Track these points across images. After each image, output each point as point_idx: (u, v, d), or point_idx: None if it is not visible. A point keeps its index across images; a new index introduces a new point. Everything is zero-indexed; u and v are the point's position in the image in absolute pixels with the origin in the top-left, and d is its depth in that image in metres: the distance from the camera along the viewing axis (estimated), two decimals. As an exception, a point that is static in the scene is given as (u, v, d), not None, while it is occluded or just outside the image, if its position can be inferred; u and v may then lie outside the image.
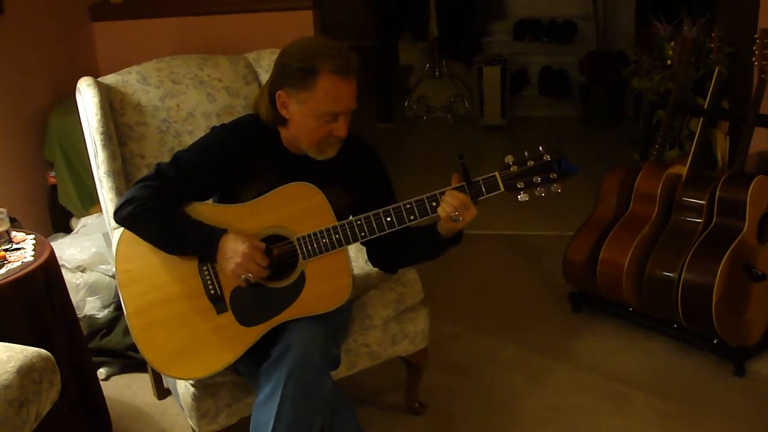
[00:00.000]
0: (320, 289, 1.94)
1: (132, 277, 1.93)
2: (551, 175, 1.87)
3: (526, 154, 1.89)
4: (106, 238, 2.89)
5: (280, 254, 1.94)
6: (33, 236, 2.33)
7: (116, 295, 2.84)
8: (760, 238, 2.66)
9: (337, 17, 4.62)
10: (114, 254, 1.98)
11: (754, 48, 2.74)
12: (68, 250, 2.87)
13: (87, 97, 2.34)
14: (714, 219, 2.68)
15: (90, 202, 3.24)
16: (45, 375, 1.79)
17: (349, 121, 1.97)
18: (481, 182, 1.89)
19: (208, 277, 1.92)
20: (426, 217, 1.92)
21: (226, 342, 1.91)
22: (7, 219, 2.30)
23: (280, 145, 2.04)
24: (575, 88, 5.97)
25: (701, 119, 2.95)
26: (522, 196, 1.88)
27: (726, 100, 3.28)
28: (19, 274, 2.07)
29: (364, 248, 2.21)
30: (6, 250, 2.23)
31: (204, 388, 2.01)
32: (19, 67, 3.25)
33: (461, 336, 2.96)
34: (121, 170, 2.35)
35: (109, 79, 2.47)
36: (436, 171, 3.74)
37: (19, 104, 3.26)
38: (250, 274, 1.88)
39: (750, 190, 2.59)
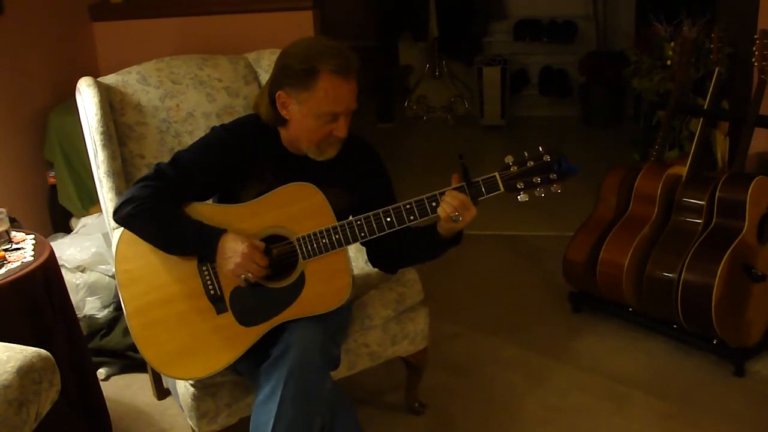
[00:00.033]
0: (320, 289, 1.94)
1: (132, 277, 1.93)
2: (551, 176, 1.87)
3: (526, 154, 1.89)
4: (106, 238, 2.89)
5: (280, 254, 1.94)
6: (33, 236, 2.33)
7: (116, 295, 2.84)
8: (760, 238, 2.66)
9: (337, 17, 4.62)
10: (114, 254, 1.98)
11: (754, 48, 2.74)
12: (68, 250, 2.87)
13: (87, 97, 2.34)
14: (714, 219, 2.68)
15: (90, 202, 3.24)
16: (45, 375, 1.79)
17: (349, 122, 1.97)
18: (481, 182, 1.88)
19: (207, 277, 1.92)
20: (426, 218, 1.92)
21: (226, 342, 1.91)
22: (7, 219, 2.30)
23: (280, 146, 2.04)
24: (575, 88, 5.97)
25: (701, 120, 2.95)
26: (522, 197, 1.88)
27: (726, 100, 3.28)
28: (18, 274, 2.07)
29: (364, 248, 2.21)
30: (6, 250, 2.23)
31: (204, 388, 2.02)
32: (19, 67, 3.25)
33: (461, 336, 2.96)
34: (121, 170, 2.35)
35: (109, 79, 2.47)
36: (436, 171, 3.74)
37: (19, 104, 3.26)
38: (249, 274, 1.88)
39: (750, 191, 2.59)
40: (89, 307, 2.82)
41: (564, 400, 2.55)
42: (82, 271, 2.85)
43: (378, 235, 1.92)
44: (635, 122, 5.38)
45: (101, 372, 2.73)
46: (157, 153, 2.41)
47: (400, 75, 6.36)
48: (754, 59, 2.75)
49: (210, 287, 1.92)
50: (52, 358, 1.83)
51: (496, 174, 1.88)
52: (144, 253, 1.93)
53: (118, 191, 2.30)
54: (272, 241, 1.94)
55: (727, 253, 2.56)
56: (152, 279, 1.93)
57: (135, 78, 2.47)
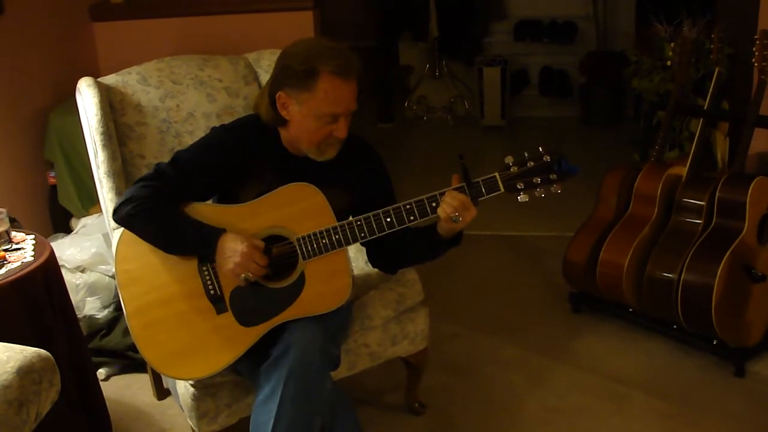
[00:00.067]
0: (320, 290, 1.94)
1: (132, 278, 1.93)
2: (551, 176, 1.87)
3: (526, 154, 1.89)
4: (106, 238, 2.89)
5: (280, 254, 1.94)
6: (33, 236, 2.33)
7: (116, 296, 2.84)
8: (760, 238, 2.66)
9: (337, 17, 4.62)
10: (114, 254, 1.98)
11: (754, 49, 2.74)
12: (68, 250, 2.87)
13: (87, 97, 2.34)
14: (714, 220, 2.68)
15: (90, 203, 3.24)
16: (45, 375, 1.79)
17: (349, 122, 1.97)
18: (481, 183, 1.88)
19: (208, 277, 1.92)
20: (426, 218, 1.92)
21: (226, 342, 1.91)
22: (7, 219, 2.30)
23: (280, 146, 2.04)
24: (575, 88, 5.96)
25: (701, 120, 2.95)
26: (522, 197, 1.88)
27: (726, 100, 3.28)
28: (19, 275, 2.07)
29: (364, 249, 2.21)
30: (6, 250, 2.23)
31: (204, 388, 2.02)
32: (20, 67, 3.25)
33: (461, 336, 2.96)
34: (121, 170, 2.35)
35: (109, 79, 2.47)
36: (436, 171, 3.74)
37: (20, 104, 3.26)
38: (249, 274, 1.88)
39: (750, 191, 2.59)
40: (89, 307, 2.82)
41: (564, 400, 2.55)
42: (82, 271, 2.85)
43: (378, 235, 1.92)
44: (635, 122, 5.38)
45: (101, 372, 2.73)
46: (157, 153, 2.41)
47: (400, 75, 6.35)
48: (754, 59, 2.75)
49: (210, 287, 1.92)
50: (52, 359, 1.83)
51: (497, 174, 1.88)
52: (144, 253, 1.93)
53: (118, 191, 2.30)
54: (272, 241, 1.94)
55: (727, 254, 2.56)
56: (152, 279, 1.93)
57: (135, 78, 2.47)
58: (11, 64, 3.19)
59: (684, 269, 2.62)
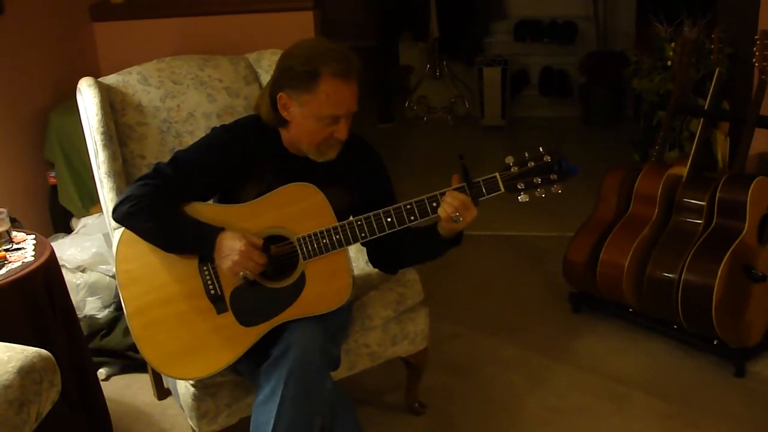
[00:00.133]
0: (320, 290, 1.94)
1: (132, 278, 1.93)
2: (552, 176, 1.87)
3: (527, 154, 1.89)
4: (107, 238, 2.89)
5: (281, 254, 1.94)
6: (33, 236, 2.33)
7: (116, 296, 2.84)
8: (760, 239, 2.66)
9: (337, 17, 4.62)
10: (114, 254, 1.98)
11: (755, 49, 2.74)
12: (68, 250, 2.87)
13: (87, 97, 2.34)
14: (714, 220, 2.68)
15: (90, 203, 3.24)
16: (45, 375, 1.79)
17: (349, 124, 1.97)
18: (481, 183, 1.89)
19: (208, 277, 1.92)
20: (426, 218, 1.92)
21: (226, 342, 1.91)
22: (8, 219, 2.30)
23: (280, 146, 2.04)
24: (576, 88, 5.97)
25: (701, 120, 2.95)
26: (522, 197, 1.88)
27: (726, 101, 3.28)
28: (19, 274, 2.07)
29: (364, 249, 2.21)
30: (6, 250, 2.23)
31: (204, 388, 2.02)
32: (20, 67, 3.25)
33: (461, 336, 2.96)
34: (121, 171, 2.35)
35: (109, 79, 2.47)
36: (436, 171, 3.74)
37: (20, 104, 3.26)
38: (247, 272, 1.88)
39: (750, 191, 2.59)
40: (90, 307, 2.82)
41: (564, 400, 2.55)
42: (83, 271, 2.85)
43: (378, 235, 1.92)
44: (635, 123, 5.38)
45: (101, 372, 2.73)
46: (157, 153, 2.41)
47: (400, 75, 6.36)
48: (754, 60, 2.75)
49: (210, 287, 1.92)
50: (53, 358, 1.83)
51: (497, 174, 1.88)
52: (144, 253, 1.93)
53: (118, 191, 2.30)
54: (273, 241, 1.94)
55: (728, 254, 2.56)
56: (152, 279, 1.93)
57: (136, 78, 2.47)
58: (11, 64, 3.19)
59: (684, 269, 2.63)
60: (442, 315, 2.98)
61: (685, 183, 2.80)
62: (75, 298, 2.69)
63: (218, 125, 2.10)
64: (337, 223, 1.93)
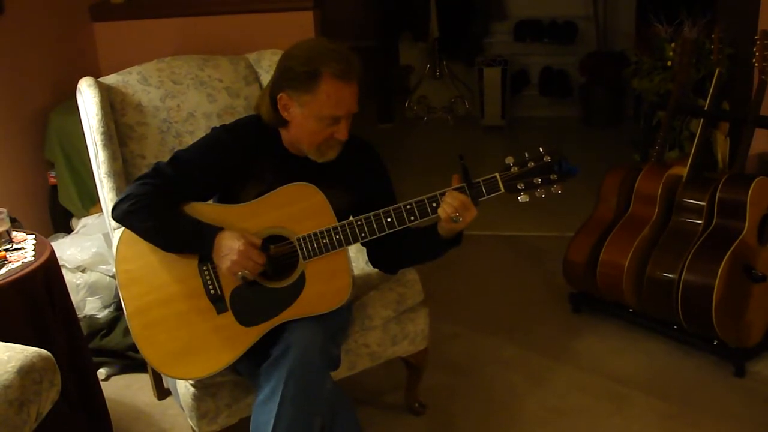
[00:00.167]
0: (320, 290, 1.94)
1: (132, 277, 1.93)
2: (552, 176, 1.87)
3: (527, 155, 1.89)
4: (107, 238, 2.89)
5: (281, 254, 1.94)
6: (33, 236, 2.33)
7: (116, 295, 2.84)
8: (760, 239, 2.66)
9: (337, 17, 4.62)
10: (114, 254, 1.98)
11: (755, 49, 2.74)
12: (68, 250, 2.87)
13: (88, 97, 2.34)
14: (714, 220, 2.68)
15: (90, 203, 3.24)
16: (45, 375, 1.79)
17: (350, 124, 1.97)
18: (481, 183, 1.89)
19: (208, 277, 1.92)
20: (426, 218, 1.92)
21: (226, 342, 1.91)
22: (8, 219, 2.30)
23: (280, 146, 2.04)
24: (576, 88, 5.96)
25: (701, 120, 2.95)
26: (522, 197, 1.88)
27: (726, 101, 3.28)
28: (19, 274, 2.07)
29: (364, 249, 2.21)
30: (6, 250, 2.23)
31: (204, 388, 2.02)
32: (20, 67, 3.25)
33: (461, 336, 2.96)
34: (121, 170, 2.35)
35: (109, 79, 2.47)
36: (436, 172, 3.74)
37: (20, 104, 3.26)
38: (246, 272, 1.88)
39: (750, 192, 2.59)
40: (90, 307, 2.82)
41: (564, 400, 2.55)
42: (83, 271, 2.85)
43: (378, 235, 1.92)
44: (635, 123, 5.38)
45: (101, 372, 2.73)
46: (157, 153, 2.41)
47: (400, 75, 6.35)
48: (754, 60, 2.75)
49: (210, 287, 1.92)
50: (53, 358, 1.83)
51: (497, 175, 1.88)
52: (144, 253, 1.93)
53: (118, 191, 2.30)
54: (273, 241, 1.94)
55: (728, 254, 2.56)
56: (152, 279, 1.93)
57: (136, 78, 2.48)
58: (11, 64, 3.19)
59: (684, 269, 2.63)
60: (442, 315, 2.98)
61: (685, 183, 2.80)
62: (75, 298, 2.69)
63: (218, 125, 2.11)
64: (337, 223, 1.93)
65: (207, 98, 2.50)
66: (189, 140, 2.41)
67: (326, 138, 1.95)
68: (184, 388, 2.04)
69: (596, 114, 5.75)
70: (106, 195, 2.32)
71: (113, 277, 2.83)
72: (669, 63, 3.27)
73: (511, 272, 3.51)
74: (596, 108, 5.75)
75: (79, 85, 2.39)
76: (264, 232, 1.94)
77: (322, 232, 1.92)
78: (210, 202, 2.05)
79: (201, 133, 2.35)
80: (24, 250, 2.23)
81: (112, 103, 2.40)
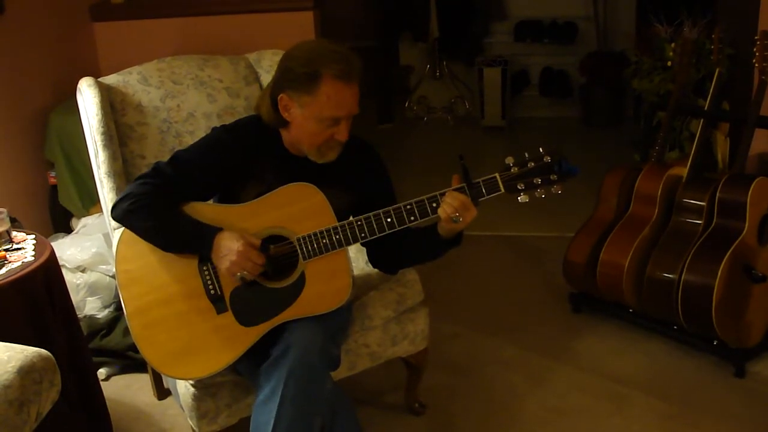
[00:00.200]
0: (320, 290, 1.94)
1: (132, 277, 1.93)
2: (552, 177, 1.87)
3: (527, 155, 1.89)
4: (107, 238, 2.89)
5: (281, 254, 1.94)
6: (33, 236, 2.33)
7: (116, 295, 2.84)
8: (760, 239, 2.66)
9: (337, 17, 4.62)
10: (114, 254, 1.98)
11: (755, 49, 2.74)
12: (68, 250, 2.87)
13: (88, 97, 2.34)
14: (714, 220, 2.68)
15: (90, 203, 3.24)
16: (45, 375, 1.79)
17: (350, 125, 1.97)
18: (481, 183, 1.89)
19: (208, 277, 1.92)
20: (426, 218, 1.92)
21: (226, 342, 1.91)
22: (8, 219, 2.30)
23: (281, 147, 2.04)
24: (576, 89, 5.96)
25: (702, 120, 2.95)
26: (522, 198, 1.88)
27: (726, 101, 3.28)
28: (19, 274, 2.07)
29: (364, 249, 2.21)
30: (6, 250, 2.23)
31: (204, 388, 2.02)
32: (20, 67, 3.25)
33: (461, 336, 2.96)
34: (121, 171, 2.35)
35: (109, 79, 2.47)
36: (436, 172, 3.74)
37: (20, 104, 3.26)
38: (245, 272, 1.88)
39: (750, 192, 2.59)
40: (90, 307, 2.82)
41: (564, 400, 2.55)
42: (83, 271, 2.85)
43: (378, 235, 1.92)
44: (636, 123, 5.38)
45: (101, 372, 2.73)
46: (158, 153, 2.41)
47: (400, 75, 6.35)
48: (754, 60, 2.75)
49: (210, 287, 1.92)
50: (53, 358, 1.83)
51: (497, 175, 1.88)
52: (144, 253, 1.93)
53: (118, 191, 2.30)
54: (273, 241, 1.94)
55: (728, 254, 2.56)
56: (152, 279, 1.93)
57: (136, 78, 2.48)
58: (12, 64, 3.19)
59: (684, 270, 2.63)
60: (442, 315, 2.98)
61: (685, 183, 2.80)
62: (75, 298, 2.69)
63: (218, 125, 2.10)
64: (337, 223, 1.93)
65: (207, 98, 2.50)
66: (189, 140, 2.41)
67: (326, 139, 1.95)
68: (184, 388, 2.04)
69: (596, 114, 5.75)
70: (106, 195, 2.32)
71: (113, 277, 2.83)
72: (669, 63, 3.27)
73: (511, 272, 3.50)
74: (596, 108, 5.75)
75: (79, 85, 2.39)
76: (264, 232, 1.94)
77: (322, 232, 1.92)
78: (210, 202, 2.05)
79: (201, 133, 2.35)
80: (24, 250, 2.23)
81: (112, 103, 2.40)
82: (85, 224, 3.09)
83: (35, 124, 3.31)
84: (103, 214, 2.57)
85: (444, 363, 2.76)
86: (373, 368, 2.30)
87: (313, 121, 1.93)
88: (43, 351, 1.82)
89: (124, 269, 1.94)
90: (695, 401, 2.51)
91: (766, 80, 2.72)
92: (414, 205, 1.90)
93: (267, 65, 2.61)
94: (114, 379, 2.76)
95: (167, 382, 2.44)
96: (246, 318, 1.92)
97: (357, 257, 2.39)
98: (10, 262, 2.15)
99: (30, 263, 2.14)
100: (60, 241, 2.99)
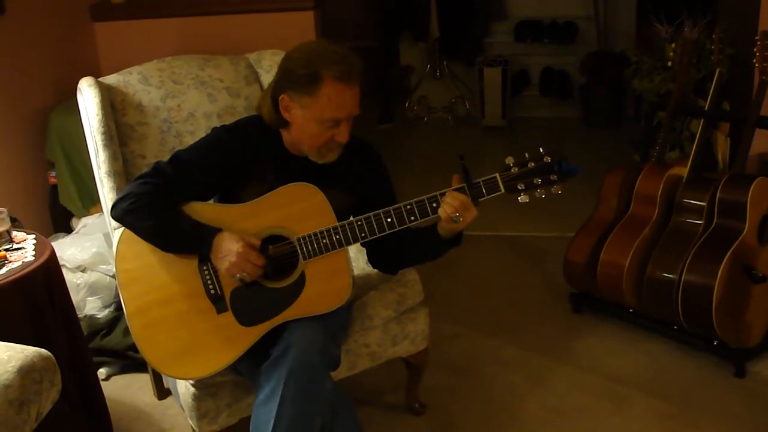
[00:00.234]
0: (320, 290, 1.94)
1: (132, 277, 1.93)
2: (552, 177, 1.87)
3: (527, 155, 1.89)
4: (107, 238, 2.89)
5: (281, 254, 1.94)
6: (34, 236, 2.33)
7: (117, 295, 2.84)
8: (760, 239, 2.66)
9: (337, 17, 4.62)
10: (114, 254, 1.98)
11: (755, 49, 2.74)
12: (69, 250, 2.87)
13: (88, 97, 2.34)
14: (714, 220, 2.68)
15: (91, 202, 3.24)
16: (45, 375, 1.79)
17: (350, 126, 1.97)
18: (481, 183, 1.89)
19: (208, 277, 1.92)
20: (426, 218, 1.92)
21: (226, 342, 1.91)
22: (8, 219, 2.30)
23: (281, 147, 2.04)
24: (576, 89, 5.96)
25: (702, 120, 2.95)
26: (522, 198, 1.88)
27: (727, 101, 3.28)
28: (19, 274, 2.07)
29: (364, 249, 2.21)
30: (7, 249, 2.23)
31: (204, 388, 2.02)
32: (20, 66, 3.25)
33: (461, 336, 2.96)
34: (122, 170, 2.35)
35: (110, 79, 2.47)
36: (436, 172, 3.74)
37: (20, 104, 3.26)
38: (244, 274, 1.88)
39: (750, 192, 2.59)
40: (90, 307, 2.82)
41: (564, 400, 2.55)
42: (83, 270, 2.85)
43: (378, 235, 1.92)
44: (636, 123, 5.38)
45: (102, 372, 2.73)
46: (158, 153, 2.41)
47: (400, 75, 6.35)
48: (754, 60, 2.75)
49: (210, 287, 1.92)
50: (53, 358, 1.83)
51: (497, 175, 1.88)
52: (144, 252, 1.93)
53: (119, 191, 2.29)
54: (273, 241, 1.94)
55: (728, 254, 2.56)
56: (152, 279, 1.93)
57: (136, 78, 2.48)
58: (12, 64, 3.19)
59: (684, 270, 2.62)
60: (442, 315, 2.98)
61: (685, 183, 2.80)
62: (75, 297, 2.69)
63: (219, 125, 2.10)
64: (337, 223, 1.93)
65: (207, 98, 2.50)
66: (189, 140, 2.41)
67: (327, 140, 1.95)
68: (184, 388, 2.04)
69: (596, 114, 5.75)
70: (107, 195, 2.32)
71: (113, 276, 2.83)
72: (669, 63, 3.27)
73: (512, 272, 3.51)
74: (596, 108, 5.74)
75: (79, 85, 2.39)
76: (264, 232, 1.94)
77: (322, 232, 1.92)
78: (210, 201, 2.05)
79: (201, 133, 2.35)
80: (24, 250, 2.23)
81: (112, 103, 2.40)
82: (85, 224, 3.10)
83: (35, 124, 3.31)
84: (103, 213, 2.57)
85: (444, 363, 2.76)
86: (373, 368, 2.30)
87: (313, 123, 1.92)
88: (44, 351, 1.82)
89: (124, 269, 1.94)
90: (695, 401, 2.51)
91: (767, 80, 2.72)
92: (414, 205, 1.90)
93: (267, 65, 2.61)
94: (114, 379, 2.76)
95: (167, 381, 2.44)
96: (246, 318, 1.92)
97: (357, 257, 2.39)
98: (10, 261, 2.15)
99: (30, 263, 2.14)
100: (60, 240, 2.99)
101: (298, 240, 1.92)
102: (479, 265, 3.55)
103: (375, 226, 1.91)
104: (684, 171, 2.82)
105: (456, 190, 1.89)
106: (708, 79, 3.25)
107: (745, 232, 2.60)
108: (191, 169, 1.96)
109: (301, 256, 1.92)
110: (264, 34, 3.60)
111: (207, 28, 3.73)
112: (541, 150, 1.89)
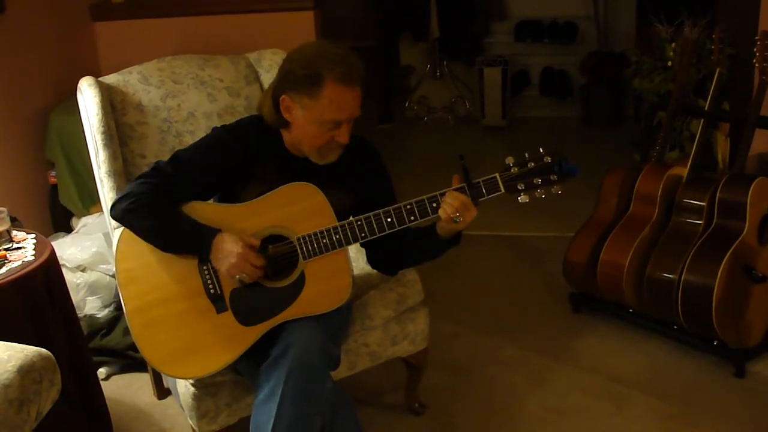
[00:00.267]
0: (320, 289, 1.94)
1: (132, 277, 1.93)
2: (552, 177, 1.87)
3: (527, 155, 1.89)
4: (107, 237, 2.89)
5: (281, 254, 1.94)
6: (33, 235, 2.33)
7: (117, 295, 2.84)
8: (760, 239, 2.66)
9: (337, 17, 4.62)
10: (114, 254, 1.98)
11: (755, 49, 2.74)
12: (69, 249, 2.87)
13: (88, 96, 2.34)
14: (714, 220, 2.68)
15: (90, 202, 3.24)
16: (45, 374, 1.79)
17: (351, 128, 1.97)
18: (481, 183, 1.88)
19: (208, 277, 1.92)
20: (426, 218, 1.92)
21: (226, 341, 1.91)
22: (8, 218, 2.30)
23: (282, 147, 2.04)
24: (576, 89, 5.96)
25: (702, 120, 2.95)
26: (522, 198, 1.88)
27: (727, 101, 3.28)
28: (19, 274, 2.07)
29: (364, 249, 2.21)
30: (6, 249, 2.23)
31: (204, 387, 2.02)
32: (20, 66, 3.25)
33: (461, 336, 2.96)
34: (122, 170, 2.35)
35: (110, 78, 2.47)
36: (436, 172, 3.74)
37: (20, 104, 3.26)
38: (244, 275, 1.88)
39: (750, 192, 2.59)
40: (90, 306, 2.82)
41: (564, 400, 2.55)
42: (83, 270, 2.85)
43: (378, 235, 1.92)
44: (636, 123, 5.38)
45: (102, 371, 2.73)
46: (158, 153, 2.41)
47: (400, 75, 6.35)
48: (754, 60, 2.75)
49: (210, 286, 1.92)
50: (53, 358, 1.83)
51: (497, 175, 1.88)
52: (144, 252, 1.93)
53: (118, 191, 2.29)
54: (273, 241, 1.94)
55: (728, 254, 2.56)
56: (152, 278, 1.93)
57: (136, 78, 2.48)
58: (12, 64, 3.19)
59: (684, 270, 2.62)
60: (442, 315, 2.98)
61: (685, 183, 2.80)
62: (75, 297, 2.69)
63: (219, 125, 2.10)
64: (337, 223, 1.93)
65: (207, 98, 2.50)
66: (189, 140, 2.41)
67: (327, 141, 1.95)
68: (184, 388, 2.04)
69: (596, 114, 5.75)
70: (107, 194, 2.32)
71: (113, 276, 2.83)
72: (669, 63, 3.27)
73: (511, 272, 3.51)
74: (596, 108, 5.75)
75: (79, 85, 2.39)
76: (264, 231, 1.94)
77: (322, 232, 1.92)
78: (210, 201, 2.05)
79: (201, 133, 2.35)
80: (24, 250, 2.23)
81: (112, 103, 2.40)
82: (85, 224, 3.10)
83: (35, 124, 3.31)
84: (103, 213, 2.57)
85: (444, 363, 2.76)
86: (373, 368, 2.30)
87: (314, 124, 1.92)
88: (43, 350, 1.82)
89: (124, 268, 1.94)
90: (695, 401, 2.51)
91: (767, 80, 2.72)
92: (414, 205, 1.90)
93: (267, 65, 2.61)
94: (114, 378, 2.76)
95: (167, 381, 2.44)
96: (246, 317, 1.92)
97: (357, 257, 2.39)
98: (10, 261, 2.15)
99: (30, 262, 2.14)
100: (60, 240, 2.99)
101: (298, 240, 1.92)
102: (479, 265, 3.55)
103: (375, 226, 1.91)
104: (684, 171, 2.82)
105: (456, 190, 1.89)
106: (708, 79, 3.25)
107: (745, 232, 2.60)
108: (191, 169, 1.96)
109: (300, 255, 1.92)
110: (264, 34, 3.60)
111: (207, 28, 3.73)
112: (541, 150, 1.89)
